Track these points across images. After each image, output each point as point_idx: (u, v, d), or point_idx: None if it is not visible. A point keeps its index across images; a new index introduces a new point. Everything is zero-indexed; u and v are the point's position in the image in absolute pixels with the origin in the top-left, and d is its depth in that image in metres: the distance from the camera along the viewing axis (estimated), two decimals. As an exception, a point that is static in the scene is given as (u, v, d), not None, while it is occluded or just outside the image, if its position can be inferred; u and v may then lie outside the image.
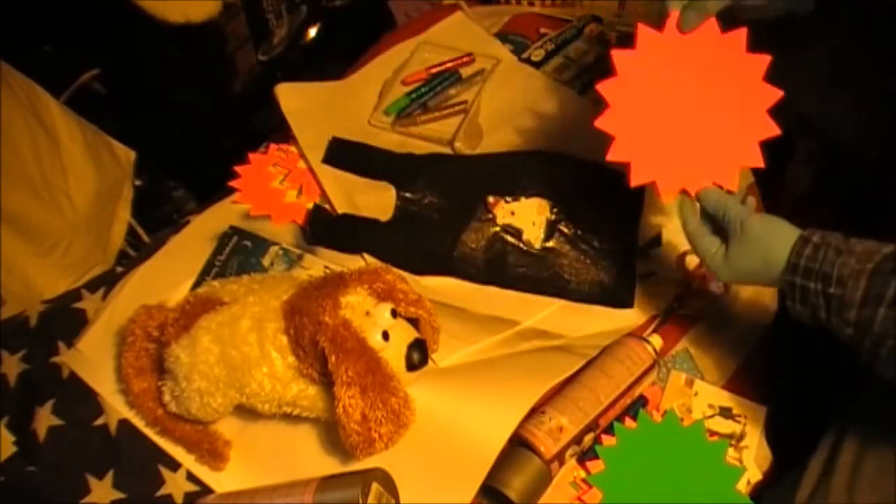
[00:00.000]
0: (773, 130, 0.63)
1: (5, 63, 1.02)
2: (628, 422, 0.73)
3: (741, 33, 0.62)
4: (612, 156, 0.64)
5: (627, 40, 1.04)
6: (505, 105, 1.01)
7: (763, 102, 0.63)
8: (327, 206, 0.92)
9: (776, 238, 0.60)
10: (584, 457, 0.72)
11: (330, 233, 0.89)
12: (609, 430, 0.73)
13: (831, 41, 0.75)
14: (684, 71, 0.63)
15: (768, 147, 0.64)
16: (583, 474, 0.72)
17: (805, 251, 0.58)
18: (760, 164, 0.63)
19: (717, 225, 0.64)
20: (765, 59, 0.62)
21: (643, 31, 0.64)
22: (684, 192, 0.65)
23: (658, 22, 0.65)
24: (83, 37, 1.18)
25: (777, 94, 0.62)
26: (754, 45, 0.63)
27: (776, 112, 0.63)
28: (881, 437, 0.61)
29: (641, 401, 0.76)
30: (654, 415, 0.74)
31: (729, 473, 0.70)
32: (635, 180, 0.64)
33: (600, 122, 0.64)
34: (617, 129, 0.64)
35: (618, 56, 0.64)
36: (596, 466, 0.71)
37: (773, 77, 0.63)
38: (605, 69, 1.01)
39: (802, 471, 0.65)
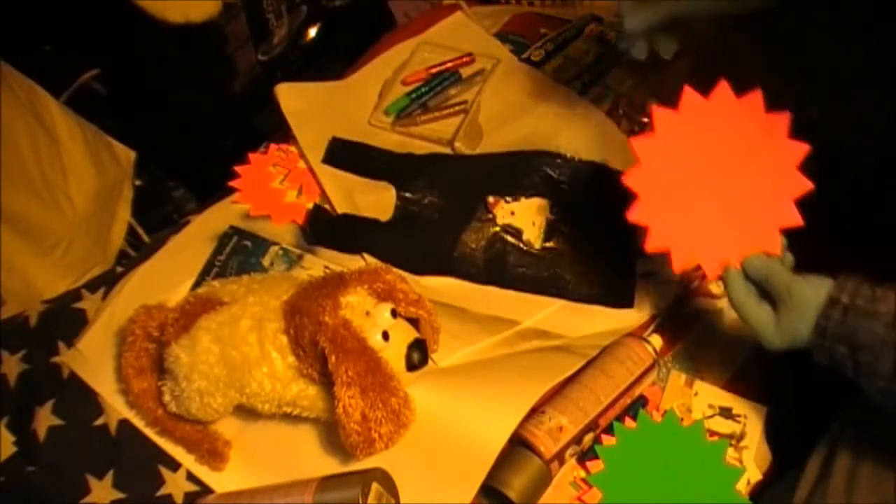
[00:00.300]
0: (806, 185, 0.61)
1: (5, 63, 1.02)
2: (628, 422, 0.73)
3: (757, 96, 0.60)
4: (651, 246, 0.62)
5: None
6: (505, 105, 1.01)
7: (791, 159, 0.60)
8: (327, 206, 0.92)
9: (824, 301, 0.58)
10: (584, 457, 0.72)
11: (330, 233, 0.89)
12: (609, 429, 0.73)
13: (831, 40, 0.75)
14: (707, 143, 0.61)
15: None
16: (583, 474, 0.72)
17: (833, 314, 0.56)
18: (798, 222, 0.61)
19: (762, 290, 0.62)
20: (785, 118, 0.60)
21: (659, 113, 0.62)
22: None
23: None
24: (83, 37, 1.18)
25: (804, 148, 0.60)
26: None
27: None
28: (879, 438, 0.61)
29: (641, 401, 0.76)
30: (654, 415, 0.74)
31: (728, 474, 0.70)
32: (678, 267, 0.62)
33: (633, 215, 0.62)
34: (650, 218, 0.62)
35: (638, 144, 0.62)
36: (596, 466, 0.71)
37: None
38: (605, 69, 1.02)
39: (801, 471, 0.65)
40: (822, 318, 0.57)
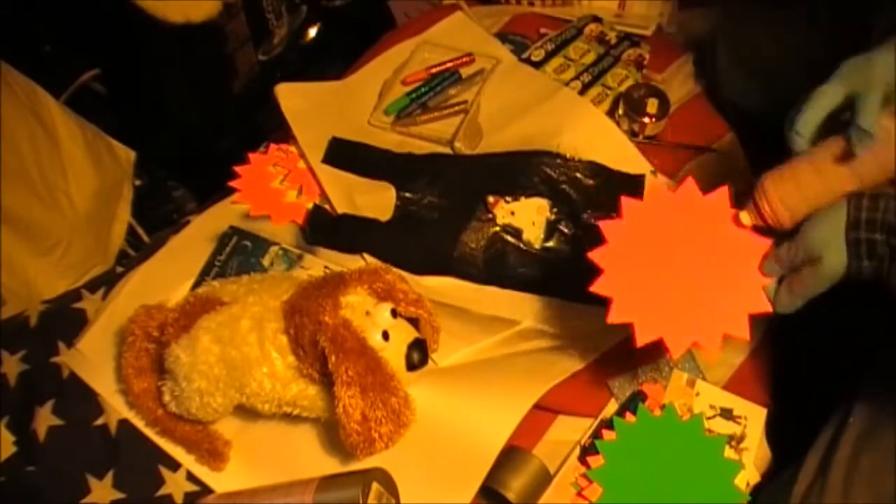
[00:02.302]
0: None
1: (5, 63, 1.02)
2: (628, 416, 0.73)
3: (723, 192, 0.62)
4: (613, 318, 0.61)
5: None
6: (505, 105, 1.01)
7: (756, 252, 0.62)
8: (327, 206, 0.92)
9: (833, 221, 0.57)
10: (586, 453, 0.72)
11: (330, 233, 0.89)
12: (609, 424, 0.73)
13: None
14: (674, 232, 0.63)
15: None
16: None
17: (863, 203, 0.56)
18: (768, 308, 0.61)
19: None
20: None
21: (626, 203, 0.63)
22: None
23: None
24: (83, 37, 1.18)
25: (767, 242, 0.62)
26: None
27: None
28: (878, 435, 0.61)
29: (641, 396, 0.76)
30: (654, 410, 0.74)
31: (727, 468, 0.70)
32: (641, 341, 0.61)
33: (596, 287, 0.62)
34: (615, 291, 0.62)
35: (606, 226, 0.63)
36: (596, 461, 0.71)
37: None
38: (605, 69, 1.02)
39: (800, 466, 0.65)
40: (853, 209, 0.56)
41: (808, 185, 0.59)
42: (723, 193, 0.63)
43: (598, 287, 0.62)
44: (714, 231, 0.62)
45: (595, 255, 0.62)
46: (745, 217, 0.63)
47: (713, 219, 0.63)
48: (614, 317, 0.61)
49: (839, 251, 0.57)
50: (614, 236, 0.63)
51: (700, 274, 0.62)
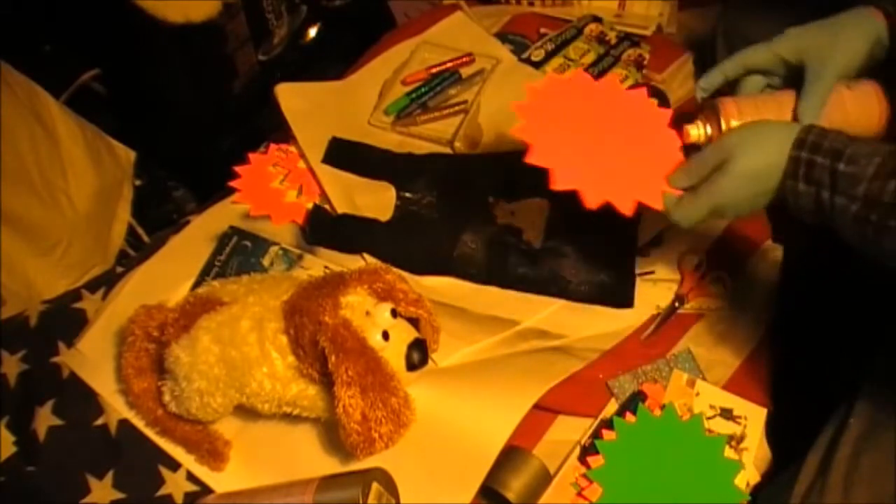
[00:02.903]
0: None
1: (5, 63, 1.02)
2: (628, 416, 0.73)
3: (641, 91, 0.67)
4: (558, 184, 0.64)
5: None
6: (505, 105, 1.00)
7: (673, 149, 0.66)
8: (327, 206, 0.92)
9: (769, 133, 0.60)
10: (586, 453, 0.72)
11: (330, 233, 0.89)
12: (609, 424, 0.73)
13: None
14: (593, 112, 0.67)
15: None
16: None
17: (813, 128, 0.58)
18: (659, 206, 0.64)
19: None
20: (666, 113, 0.68)
21: (552, 77, 0.69)
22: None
23: None
24: (83, 37, 1.18)
25: (678, 144, 0.67)
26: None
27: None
28: (878, 435, 0.61)
29: (641, 396, 0.76)
30: (655, 409, 0.74)
31: (727, 468, 0.70)
32: (592, 203, 0.63)
33: (531, 159, 0.65)
34: (550, 161, 0.65)
35: (522, 104, 0.68)
36: (596, 461, 0.71)
37: None
38: (605, 69, 1.02)
39: (800, 466, 0.65)
40: (802, 132, 0.58)
41: (766, 109, 0.65)
42: (641, 92, 0.69)
43: (532, 158, 0.64)
44: (631, 126, 0.67)
45: (518, 132, 0.66)
46: (693, 130, 0.66)
47: (631, 113, 0.67)
48: (559, 184, 0.63)
49: (756, 150, 0.59)
50: (532, 111, 0.67)
51: (613, 149, 0.66)
